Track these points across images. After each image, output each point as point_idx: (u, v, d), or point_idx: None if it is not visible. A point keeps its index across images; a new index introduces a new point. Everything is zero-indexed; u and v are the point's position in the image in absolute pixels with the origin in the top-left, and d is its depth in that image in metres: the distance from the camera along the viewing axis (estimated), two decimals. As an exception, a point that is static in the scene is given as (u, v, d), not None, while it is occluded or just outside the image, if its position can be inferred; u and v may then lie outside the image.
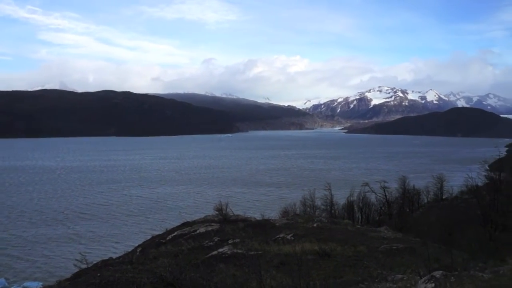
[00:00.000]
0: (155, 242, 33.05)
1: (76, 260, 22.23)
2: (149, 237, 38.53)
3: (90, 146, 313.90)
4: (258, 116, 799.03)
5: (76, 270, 23.07)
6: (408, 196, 69.99)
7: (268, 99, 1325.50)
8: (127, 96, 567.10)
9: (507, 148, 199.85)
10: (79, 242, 65.09)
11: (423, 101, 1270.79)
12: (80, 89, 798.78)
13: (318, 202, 61.68)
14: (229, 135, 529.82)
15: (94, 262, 24.71)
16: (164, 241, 32.36)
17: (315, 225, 33.57)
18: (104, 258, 28.30)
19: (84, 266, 21.68)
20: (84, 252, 38.69)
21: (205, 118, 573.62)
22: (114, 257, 29.25)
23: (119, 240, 65.74)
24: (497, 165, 61.29)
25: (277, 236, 27.20)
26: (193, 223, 36.88)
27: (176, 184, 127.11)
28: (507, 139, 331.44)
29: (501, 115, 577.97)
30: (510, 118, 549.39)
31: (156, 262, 20.44)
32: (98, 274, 17.05)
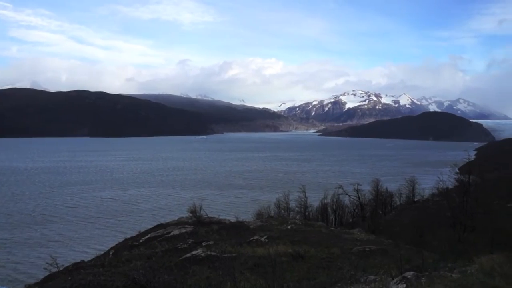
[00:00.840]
0: (128, 244, 32.58)
1: (47, 263, 21.67)
2: (121, 239, 37.91)
3: (62, 146, 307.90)
4: (233, 118, 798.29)
5: (46, 274, 22.54)
6: (381, 198, 70.98)
7: (243, 101, 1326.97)
8: (101, 96, 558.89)
9: (476, 152, 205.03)
10: (47, 246, 63.53)
11: (396, 105, 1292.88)
12: (52, 88, 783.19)
13: (292, 204, 61.96)
14: (204, 137, 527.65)
15: (65, 265, 24.17)
16: (137, 243, 31.94)
17: (289, 227, 33.68)
18: (76, 261, 27.71)
19: (54, 269, 21.18)
20: (54, 255, 37.92)
21: (179, 120, 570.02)
22: (85, 260, 28.69)
23: (91, 243, 64.56)
24: (466, 168, 62.68)
25: (251, 238, 27.17)
26: (167, 225, 36.54)
27: (149, 186, 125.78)
28: (476, 143, 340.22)
29: (471, 120, 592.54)
30: (479, 122, 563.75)
31: (129, 264, 20.16)
32: (69, 278, 16.70)
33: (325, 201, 63.15)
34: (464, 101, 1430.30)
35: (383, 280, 13.28)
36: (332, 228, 38.51)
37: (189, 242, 27.19)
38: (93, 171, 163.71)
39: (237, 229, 32.77)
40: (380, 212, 68.04)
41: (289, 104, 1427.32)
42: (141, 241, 32.47)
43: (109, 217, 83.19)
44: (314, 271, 17.67)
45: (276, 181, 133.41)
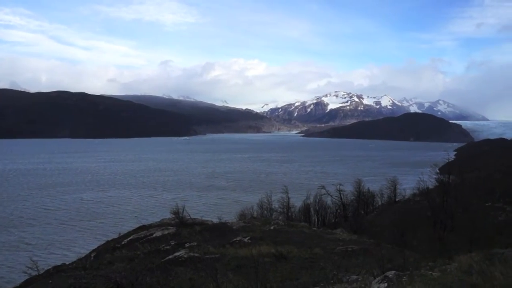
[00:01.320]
0: (110, 246, 32.25)
1: (26, 267, 21.33)
2: (103, 242, 37.49)
3: (42, 148, 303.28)
4: (216, 119, 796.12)
5: (25, 278, 22.17)
6: (363, 198, 71.62)
7: (226, 102, 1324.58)
8: (82, 97, 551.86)
9: (455, 152, 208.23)
10: (26, 249, 62.44)
11: (378, 106, 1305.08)
12: (32, 89, 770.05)
13: (275, 205, 62.10)
14: (186, 138, 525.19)
15: (46, 268, 23.80)
16: (119, 245, 31.65)
17: (272, 227, 33.76)
18: (57, 264, 27.32)
19: (34, 273, 20.86)
20: (34, 259, 37.37)
21: (162, 121, 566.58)
22: (67, 263, 28.31)
23: (72, 246, 63.76)
24: (446, 169, 63.64)
25: (234, 239, 27.16)
26: (149, 226, 36.30)
27: (130, 187, 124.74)
28: (455, 144, 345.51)
29: (450, 121, 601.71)
30: (459, 123, 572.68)
31: (111, 267, 19.97)
32: (50, 281, 16.50)
33: (308, 201, 63.46)
34: (444, 102, 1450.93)
35: (365, 280, 13.41)
36: (315, 229, 38.71)
37: (172, 243, 27.05)
38: (74, 172, 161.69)
39: (220, 230, 32.73)
40: (362, 212, 68.66)
41: (272, 105, 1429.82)
42: (123, 243, 32.19)
43: (90, 219, 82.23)
44: (297, 271, 17.75)
45: (259, 182, 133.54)
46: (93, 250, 33.26)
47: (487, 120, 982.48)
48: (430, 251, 24.79)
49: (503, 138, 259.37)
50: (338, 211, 66.18)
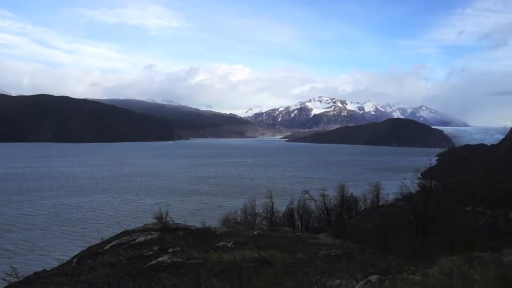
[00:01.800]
0: (92, 252, 31.87)
1: (6, 274, 20.96)
2: (85, 247, 36.99)
3: (23, 152, 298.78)
4: (200, 124, 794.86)
5: (5, 284, 21.75)
6: (347, 203, 72.06)
7: (210, 107, 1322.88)
8: (65, 101, 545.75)
9: (437, 158, 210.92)
10: (5, 255, 61.14)
11: (361, 112, 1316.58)
12: (14, 92, 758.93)
13: (259, 210, 62.12)
14: (170, 142, 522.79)
15: (26, 275, 23.38)
16: (101, 251, 31.28)
17: (255, 232, 33.72)
18: (37, 271, 26.86)
19: (14, 280, 20.50)
20: (13, 265, 36.66)
21: (145, 125, 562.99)
22: (47, 269, 27.85)
23: (53, 252, 62.77)
24: (428, 173, 64.42)
25: (218, 244, 27.06)
26: (132, 232, 35.97)
27: (113, 192, 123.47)
28: (437, 149, 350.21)
29: (432, 127, 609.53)
30: (440, 129, 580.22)
31: (93, 273, 19.73)
32: (29, 288, 16.23)
33: (292, 206, 63.59)
34: (426, 108, 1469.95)
35: (348, 284, 13.48)
36: (299, 233, 38.78)
37: (155, 249, 26.83)
38: (55, 177, 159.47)
39: (204, 235, 32.59)
40: (346, 217, 69.06)
41: (256, 110, 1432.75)
42: (105, 248, 31.82)
43: (71, 225, 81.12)
44: (281, 276, 17.75)
45: (242, 187, 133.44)
46: (75, 256, 32.79)
47: (468, 126, 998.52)
48: (412, 255, 25.03)
49: (483, 144, 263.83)
50: (322, 215, 66.46)
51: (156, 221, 36.91)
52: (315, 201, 65.67)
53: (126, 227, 43.21)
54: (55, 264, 35.20)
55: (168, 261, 21.36)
